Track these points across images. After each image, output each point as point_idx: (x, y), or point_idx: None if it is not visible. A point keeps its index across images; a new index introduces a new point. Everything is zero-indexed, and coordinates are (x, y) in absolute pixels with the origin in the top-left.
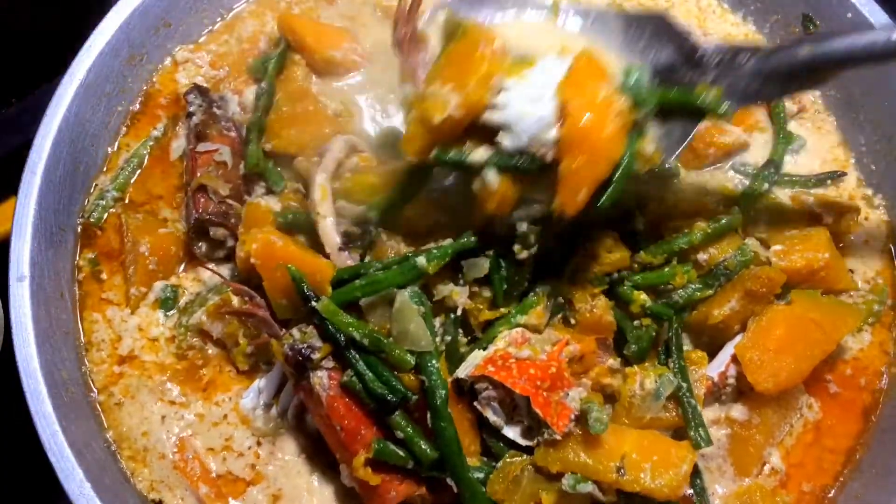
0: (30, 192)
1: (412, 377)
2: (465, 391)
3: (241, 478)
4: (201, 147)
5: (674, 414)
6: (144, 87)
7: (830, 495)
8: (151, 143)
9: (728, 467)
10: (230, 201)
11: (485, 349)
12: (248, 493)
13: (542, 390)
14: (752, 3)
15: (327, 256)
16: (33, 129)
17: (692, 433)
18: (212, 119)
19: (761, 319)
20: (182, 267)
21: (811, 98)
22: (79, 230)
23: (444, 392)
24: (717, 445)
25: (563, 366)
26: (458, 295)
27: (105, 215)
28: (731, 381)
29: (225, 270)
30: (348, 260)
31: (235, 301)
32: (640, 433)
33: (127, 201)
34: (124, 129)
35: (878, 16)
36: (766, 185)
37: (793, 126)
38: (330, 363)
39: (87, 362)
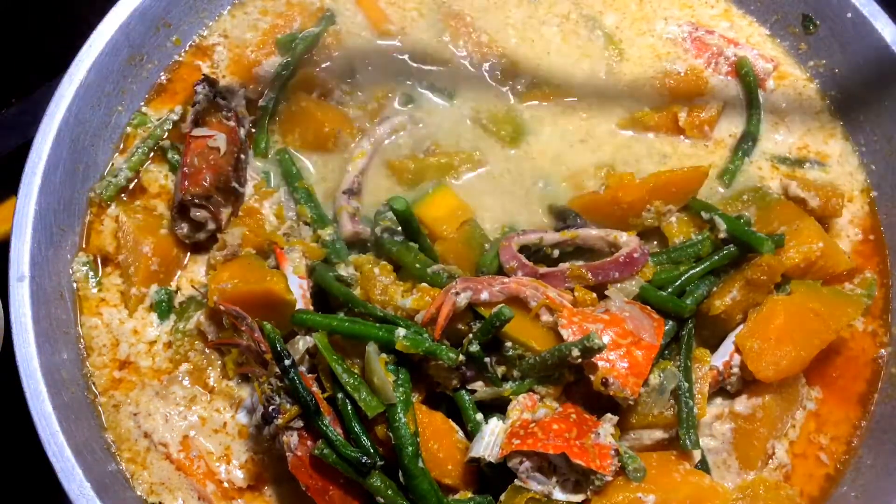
0: (30, 192)
1: (385, 430)
2: (497, 474)
3: (241, 487)
4: (196, 132)
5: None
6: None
7: (831, 495)
8: (168, 127)
9: (733, 461)
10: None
11: (498, 419)
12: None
13: (573, 440)
14: (752, 3)
15: None
16: (33, 129)
17: (683, 434)
18: (213, 107)
19: (761, 309)
20: (180, 272)
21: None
22: (79, 228)
23: (411, 449)
24: (721, 440)
25: (580, 408)
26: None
27: (115, 194)
28: (736, 370)
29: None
30: (344, 202)
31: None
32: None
33: (132, 187)
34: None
35: (878, 16)
36: (746, 160)
37: (775, 95)
38: (299, 423)
39: (88, 366)
